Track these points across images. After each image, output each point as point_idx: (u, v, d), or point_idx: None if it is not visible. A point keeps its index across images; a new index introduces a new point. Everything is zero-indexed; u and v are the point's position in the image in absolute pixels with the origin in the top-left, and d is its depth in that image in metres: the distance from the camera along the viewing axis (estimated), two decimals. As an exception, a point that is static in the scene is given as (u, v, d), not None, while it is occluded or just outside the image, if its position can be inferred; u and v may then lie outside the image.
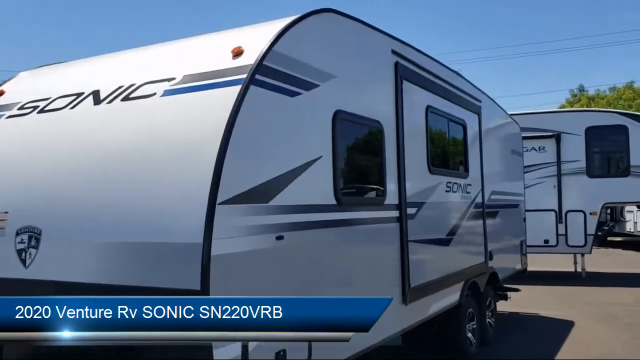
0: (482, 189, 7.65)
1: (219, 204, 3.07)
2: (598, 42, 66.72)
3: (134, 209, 3.32)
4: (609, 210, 26.45)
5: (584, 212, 13.77)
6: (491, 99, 8.56)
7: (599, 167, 14.24)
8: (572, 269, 14.72)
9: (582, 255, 14.16)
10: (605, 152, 14.24)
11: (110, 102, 3.92)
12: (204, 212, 3.03)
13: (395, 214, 5.17)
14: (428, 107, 5.99)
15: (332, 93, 4.33)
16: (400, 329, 5.17)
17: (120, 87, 3.99)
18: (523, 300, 11.24)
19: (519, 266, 9.58)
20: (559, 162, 13.96)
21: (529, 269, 16.67)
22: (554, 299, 11.54)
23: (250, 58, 3.54)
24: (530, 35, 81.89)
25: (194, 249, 3.01)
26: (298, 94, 3.85)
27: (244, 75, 3.41)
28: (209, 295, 2.97)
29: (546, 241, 13.96)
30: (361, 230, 4.67)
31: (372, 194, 4.94)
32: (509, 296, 9.29)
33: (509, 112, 14.82)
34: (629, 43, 67.48)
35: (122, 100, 3.87)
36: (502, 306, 10.25)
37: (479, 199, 7.48)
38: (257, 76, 3.45)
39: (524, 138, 14.08)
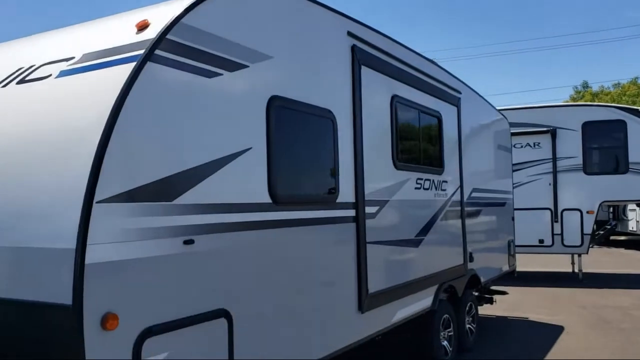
0: (461, 186, 7.12)
1: (97, 202, 2.56)
2: (602, 37, 65.50)
3: (6, 208, 2.81)
4: (611, 209, 25.86)
5: (581, 211, 13.21)
6: (474, 90, 8.02)
7: (596, 164, 13.66)
8: (569, 270, 14.14)
9: (579, 255, 13.59)
10: (602, 148, 13.65)
11: (5, 85, 3.42)
12: (78, 213, 2.52)
13: (350, 213, 4.65)
14: (394, 97, 5.46)
15: (267, 76, 3.81)
16: (356, 339, 4.65)
17: (19, 69, 3.49)
18: (515, 303, 10.71)
19: (505, 267, 9.04)
20: (554, 159, 13.40)
21: (523, 269, 16.18)
22: (547, 301, 10.99)
23: (153, 32, 3.03)
24: (532, 31, 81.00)
25: (66, 255, 2.50)
26: (217, 74, 3.32)
27: (141, 51, 2.90)
28: (82, 311, 2.47)
29: (541, 241, 13.42)
30: (306, 232, 4.15)
31: (322, 191, 4.42)
32: (494, 299, 8.76)
33: (509, 108, 14.35)
34: (634, 38, 66.40)
35: (18, 83, 3.37)
36: (490, 310, 9.73)
37: (457, 197, 6.94)
38: (158, 52, 2.93)
39: (519, 134, 13.62)
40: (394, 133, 5.40)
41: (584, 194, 13.24)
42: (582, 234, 13.19)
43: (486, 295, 8.80)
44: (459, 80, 7.38)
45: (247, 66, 3.58)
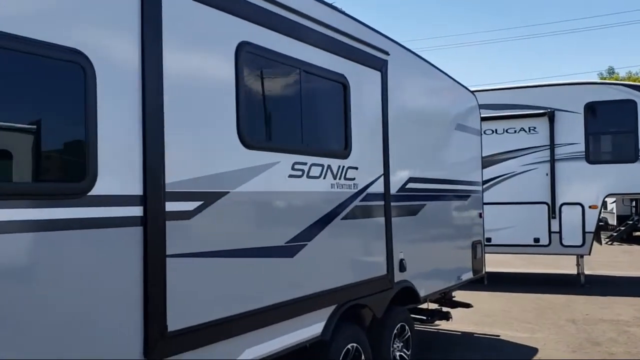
0: (387, 175, 5.44)
1: None
2: (630, 18, 61.54)
3: None
4: (633, 203, 23.63)
5: (582, 205, 11.36)
6: (416, 55, 6.29)
7: (601, 152, 11.78)
8: (575, 272, 12.23)
9: (581, 257, 11.71)
10: (608, 133, 11.75)
11: None
12: None
13: (129, 212, 3.04)
14: (242, 45, 3.81)
15: None
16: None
17: None
18: (493, 314, 8.97)
19: (468, 275, 7.30)
20: (552, 146, 11.56)
21: (519, 271, 14.30)
22: (533, 313, 9.20)
23: None
24: (556, 13, 77.32)
25: None
26: None
27: None
28: None
29: (536, 240, 11.61)
30: (25, 242, 2.58)
31: (57, 178, 2.83)
32: (450, 316, 7.06)
33: (501, 88, 12.46)
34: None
35: None
36: (458, 323, 8.05)
37: (376, 189, 5.27)
38: None
39: (511, 117, 11.81)
40: (241, 97, 3.76)
41: (587, 185, 11.38)
42: (584, 232, 11.34)
43: (442, 310, 7.11)
44: (387, 38, 5.68)
45: None
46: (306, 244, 4.31)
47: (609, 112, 11.48)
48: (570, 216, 11.40)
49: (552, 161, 11.52)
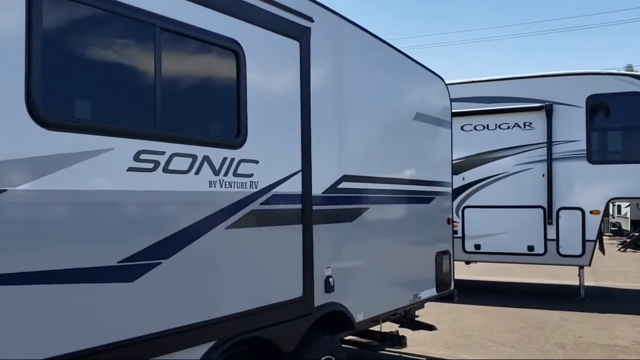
0: (306, 171, 4.25)
1: None
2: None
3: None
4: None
5: (583, 210, 10.06)
6: (357, 26, 5.08)
7: (605, 150, 10.47)
8: (576, 283, 10.88)
9: (581, 267, 10.38)
10: (613, 130, 10.43)
11: None
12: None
13: None
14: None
15: None
16: None
17: None
18: (473, 336, 7.75)
19: (428, 292, 6.06)
20: (549, 143, 10.26)
21: (517, 279, 12.91)
22: (519, 334, 7.94)
23: None
24: (573, 8, 75.10)
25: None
26: None
27: None
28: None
29: (530, 248, 10.33)
30: None
31: None
32: (405, 342, 5.84)
33: (493, 79, 11.14)
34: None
35: None
36: (427, 345, 6.87)
37: (288, 188, 4.08)
38: None
39: (505, 111, 10.54)
40: (36, 53, 2.61)
41: (588, 188, 10.07)
42: (584, 240, 10.02)
43: (397, 334, 5.89)
44: (312, 0, 4.49)
45: None
46: (158, 264, 3.14)
47: (614, 106, 10.16)
48: (569, 222, 10.09)
49: (550, 160, 10.21)
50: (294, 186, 4.16)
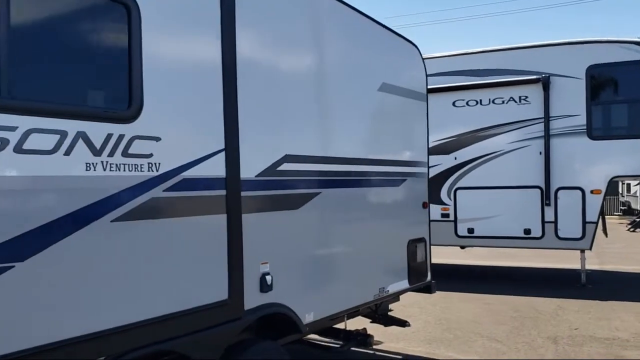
0: (231, 150, 3.55)
1: None
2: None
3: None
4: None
5: (583, 190, 9.29)
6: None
7: (607, 125, 9.65)
8: (578, 266, 10.08)
9: (582, 251, 9.62)
10: (616, 103, 9.59)
11: None
12: None
13: None
14: None
15: None
16: None
17: None
18: (459, 328, 7.06)
19: (399, 285, 5.34)
20: (547, 118, 9.46)
21: (517, 264, 12.11)
22: (509, 326, 7.24)
23: None
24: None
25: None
26: None
27: None
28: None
29: (527, 231, 9.58)
30: None
31: None
32: (371, 341, 5.16)
33: (483, 50, 10.26)
34: None
35: None
36: (410, 342, 6.21)
37: (205, 171, 3.37)
38: None
39: (498, 85, 9.73)
40: None
41: (588, 166, 9.30)
42: (584, 222, 9.26)
43: (363, 332, 5.21)
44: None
45: None
46: (9, 268, 2.46)
47: (616, 77, 9.33)
48: (568, 203, 9.33)
49: (547, 137, 9.42)
50: (215, 169, 3.46)
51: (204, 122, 3.41)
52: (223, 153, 3.51)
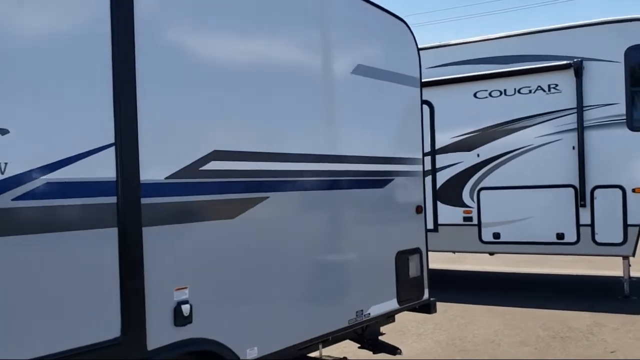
0: (129, 147, 2.73)
1: None
2: None
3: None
4: None
5: (623, 189, 8.11)
6: None
7: (650, 114, 8.41)
8: (619, 274, 8.87)
9: (625, 258, 8.42)
10: (660, 88, 8.36)
11: None
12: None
13: None
14: None
15: None
16: None
17: None
18: (475, 349, 6.08)
19: (387, 305, 4.40)
20: (580, 108, 8.31)
21: (553, 271, 10.82)
22: (532, 347, 6.19)
23: None
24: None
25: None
26: None
27: None
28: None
29: (560, 236, 8.45)
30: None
31: None
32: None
33: (504, 36, 9.15)
34: None
35: None
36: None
37: (86, 172, 2.57)
38: None
39: (524, 72, 8.66)
40: None
41: (629, 161, 8.12)
42: (625, 225, 8.07)
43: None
44: None
45: None
46: None
47: (660, 59, 8.11)
48: (607, 203, 8.16)
49: (581, 129, 8.27)
50: (99, 169, 2.66)
51: (79, 109, 2.61)
52: (112, 149, 2.70)
